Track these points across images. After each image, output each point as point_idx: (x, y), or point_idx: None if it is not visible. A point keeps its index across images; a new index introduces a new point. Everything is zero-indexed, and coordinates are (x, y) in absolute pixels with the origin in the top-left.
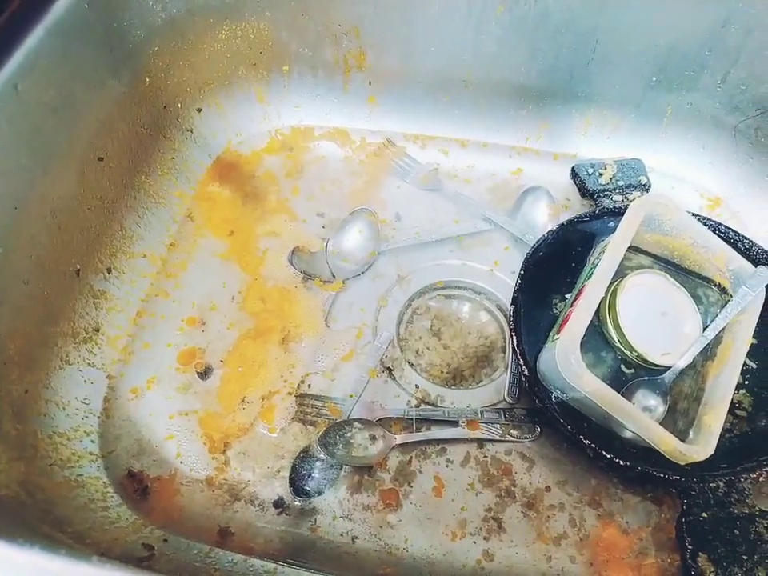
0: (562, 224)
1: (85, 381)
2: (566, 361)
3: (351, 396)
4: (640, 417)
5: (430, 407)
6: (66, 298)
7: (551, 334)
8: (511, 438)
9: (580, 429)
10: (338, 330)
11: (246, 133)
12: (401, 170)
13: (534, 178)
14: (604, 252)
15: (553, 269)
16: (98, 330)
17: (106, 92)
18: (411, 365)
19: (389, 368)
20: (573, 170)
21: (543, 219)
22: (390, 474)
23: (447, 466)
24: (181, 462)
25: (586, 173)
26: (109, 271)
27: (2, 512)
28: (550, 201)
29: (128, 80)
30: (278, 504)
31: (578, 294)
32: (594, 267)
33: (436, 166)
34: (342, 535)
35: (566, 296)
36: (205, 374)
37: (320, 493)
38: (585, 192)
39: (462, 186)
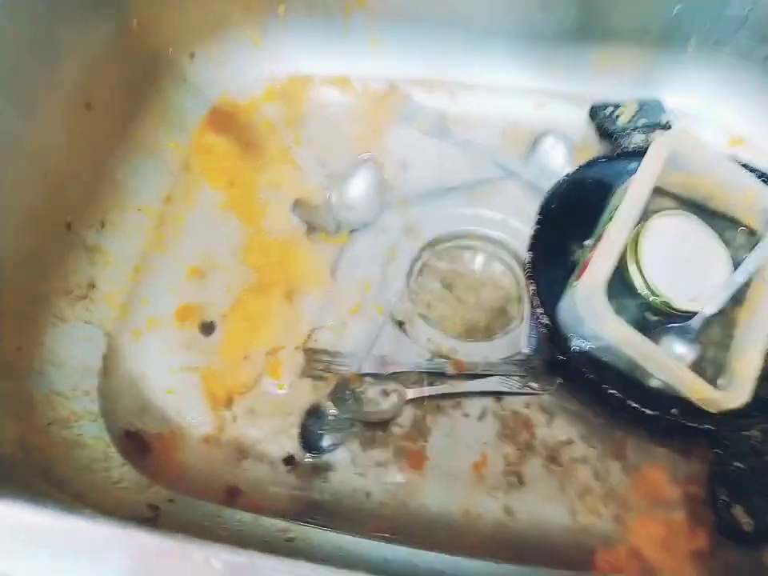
0: (580, 167)
1: (82, 338)
2: (587, 305)
3: (360, 349)
4: (669, 362)
5: (443, 360)
6: (59, 252)
7: (570, 280)
8: (530, 391)
9: (603, 378)
10: (344, 284)
11: (241, 80)
12: (406, 116)
13: (549, 120)
14: (625, 193)
15: (571, 215)
16: (93, 286)
17: (90, 33)
18: (423, 318)
19: (399, 321)
20: (591, 109)
21: (559, 163)
22: (403, 428)
23: (464, 421)
24: (183, 419)
25: (604, 113)
26: (102, 225)
27: (5, 472)
28: (566, 144)
29: (114, 21)
30: (289, 461)
31: (599, 239)
32: (615, 211)
33: (442, 110)
34: (354, 491)
35: (585, 243)
36: (206, 329)
37: (331, 449)
38: (603, 133)
39: (471, 132)
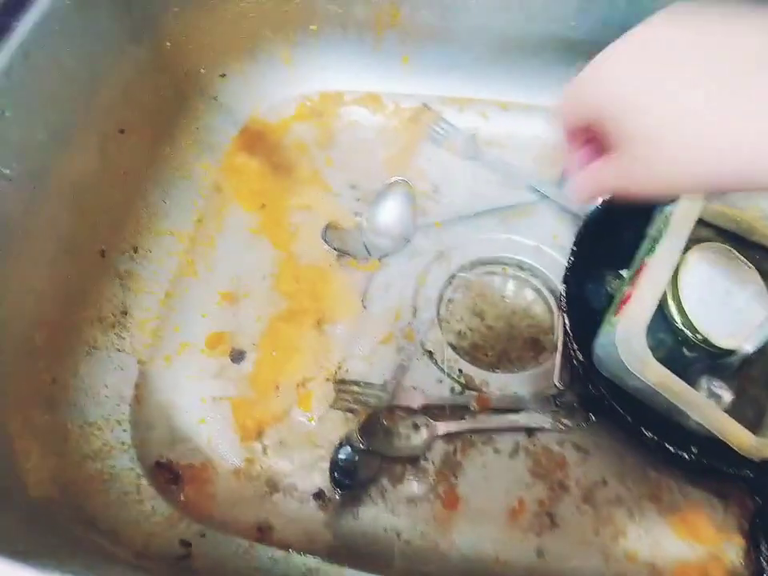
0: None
1: (114, 367)
2: (628, 347)
3: (392, 382)
4: (709, 409)
5: (474, 393)
6: (92, 280)
7: (608, 314)
8: (562, 427)
9: (639, 418)
10: (375, 312)
11: (272, 99)
12: (437, 136)
13: None
14: (666, 224)
15: (607, 243)
16: (125, 313)
17: (125, 58)
18: (453, 347)
19: (430, 351)
20: None
21: None
22: (434, 464)
23: (495, 457)
24: (214, 451)
25: None
26: (135, 250)
27: (36, 517)
28: None
29: (148, 45)
30: (319, 496)
31: (638, 271)
32: (656, 241)
33: (475, 131)
34: (385, 530)
35: (621, 272)
36: (237, 357)
37: (362, 485)
38: None
39: (503, 153)
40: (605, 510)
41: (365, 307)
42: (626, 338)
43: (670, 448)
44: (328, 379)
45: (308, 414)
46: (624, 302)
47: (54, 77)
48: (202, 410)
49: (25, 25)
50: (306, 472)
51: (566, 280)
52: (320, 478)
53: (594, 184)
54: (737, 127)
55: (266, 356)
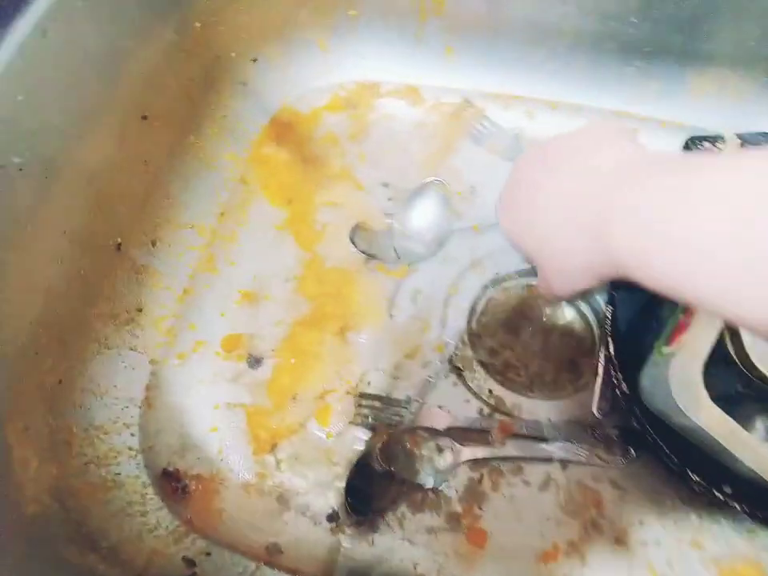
0: None
1: (125, 366)
2: (682, 384)
3: (416, 400)
4: (765, 454)
5: (505, 417)
6: (106, 275)
7: (658, 343)
8: (599, 462)
9: (686, 458)
10: (402, 322)
11: (305, 87)
12: (479, 135)
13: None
14: None
15: None
16: (140, 310)
17: (151, 40)
18: (484, 365)
19: (458, 368)
20: (686, 142)
21: None
22: (457, 492)
23: (524, 489)
24: (225, 462)
25: (700, 147)
26: (153, 244)
27: (30, 536)
28: None
29: (177, 26)
30: (332, 518)
31: None
32: None
33: (518, 131)
34: (401, 561)
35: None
36: (254, 363)
37: (378, 510)
38: None
39: None
40: (641, 554)
41: (392, 316)
42: (680, 374)
43: (719, 495)
44: (348, 392)
45: (325, 429)
46: (678, 331)
47: (73, 57)
48: (215, 417)
49: (42, 4)
50: (320, 491)
51: (611, 300)
52: (335, 499)
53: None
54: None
55: (284, 363)
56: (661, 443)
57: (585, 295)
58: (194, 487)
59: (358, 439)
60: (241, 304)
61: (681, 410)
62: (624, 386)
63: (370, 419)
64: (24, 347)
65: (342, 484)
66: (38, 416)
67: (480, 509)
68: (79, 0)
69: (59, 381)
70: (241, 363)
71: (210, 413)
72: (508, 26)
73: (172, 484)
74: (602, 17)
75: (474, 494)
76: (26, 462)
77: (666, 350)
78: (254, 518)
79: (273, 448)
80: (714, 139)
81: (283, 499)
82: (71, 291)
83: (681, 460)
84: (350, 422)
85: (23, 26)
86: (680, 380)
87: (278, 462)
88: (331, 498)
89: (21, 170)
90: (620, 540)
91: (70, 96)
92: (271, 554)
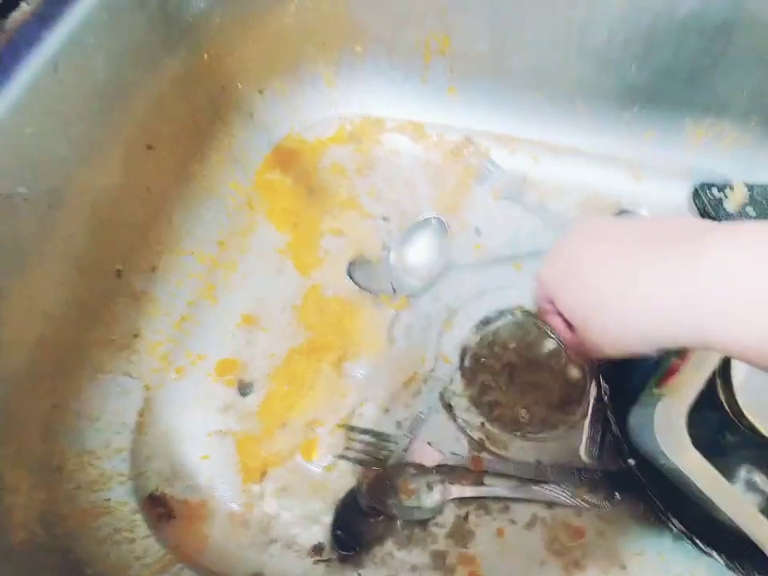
0: None
1: (119, 392)
2: (666, 426)
3: (406, 436)
4: (744, 506)
5: (492, 457)
6: (105, 301)
7: (650, 383)
8: (585, 505)
9: (670, 503)
10: (396, 356)
11: (310, 119)
12: (479, 173)
13: (632, 193)
14: None
15: None
16: (137, 336)
17: (159, 71)
18: (474, 403)
19: (449, 405)
20: (695, 190)
21: None
22: (444, 529)
23: (510, 527)
24: (213, 490)
25: (709, 196)
26: (153, 270)
27: (16, 564)
28: None
29: (184, 57)
30: (317, 551)
31: None
32: None
33: (519, 172)
34: None
35: None
36: (244, 390)
37: (365, 546)
38: (706, 218)
39: (546, 198)
40: None
41: (388, 349)
42: (665, 416)
43: (699, 544)
44: (339, 425)
45: (313, 461)
46: (670, 373)
47: (82, 90)
48: (207, 444)
49: (57, 36)
50: (306, 524)
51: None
52: (321, 532)
53: (573, 349)
54: (643, 302)
55: (278, 389)
56: (647, 485)
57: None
58: (180, 513)
59: (346, 473)
60: (237, 331)
61: (663, 452)
62: (617, 429)
63: (358, 453)
64: (22, 371)
65: (329, 518)
66: (30, 439)
67: (465, 547)
68: (91, 36)
69: (53, 405)
70: (233, 390)
71: (202, 440)
72: (510, 69)
73: (158, 509)
74: (603, 64)
75: (460, 533)
76: (16, 487)
77: (656, 391)
78: (239, 547)
79: (262, 477)
80: (722, 186)
81: (269, 531)
82: (70, 316)
83: (665, 504)
84: (339, 456)
85: (36, 61)
86: (665, 422)
87: (264, 493)
88: (317, 532)
89: (25, 199)
90: None
91: (77, 127)
92: None
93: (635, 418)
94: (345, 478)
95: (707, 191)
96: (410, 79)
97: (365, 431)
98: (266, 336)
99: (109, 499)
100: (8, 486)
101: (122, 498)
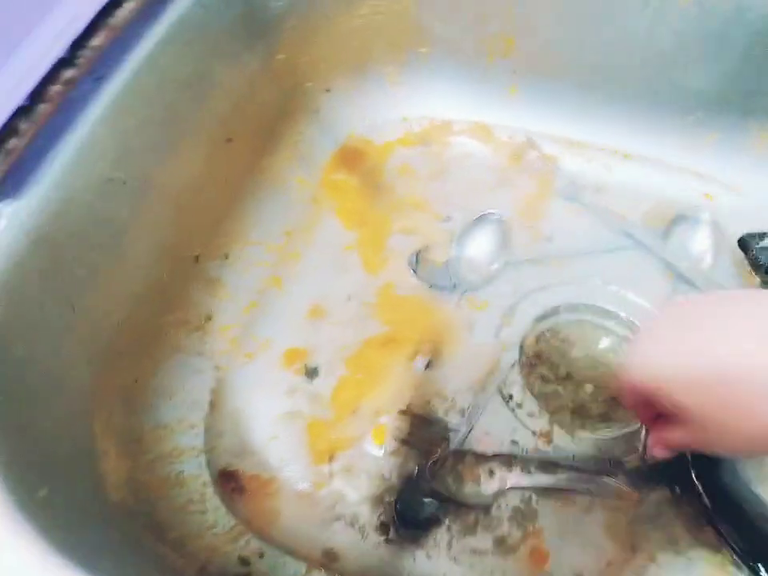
0: None
1: (193, 370)
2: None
3: (463, 423)
4: None
5: (549, 447)
6: (183, 284)
7: None
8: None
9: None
10: (463, 351)
11: (373, 118)
12: (541, 174)
13: (691, 199)
14: None
15: None
16: (210, 319)
17: (240, 68)
18: (533, 394)
19: (509, 395)
20: (741, 240)
21: (701, 250)
22: (505, 513)
23: (570, 509)
24: (282, 469)
25: (758, 245)
26: (226, 257)
27: (110, 524)
28: (712, 230)
29: (262, 55)
30: (382, 530)
31: None
32: None
33: (579, 173)
34: None
35: None
36: (311, 375)
37: (424, 527)
38: (757, 267)
39: (602, 199)
40: None
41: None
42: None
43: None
44: (402, 412)
45: (380, 446)
46: None
47: (174, 84)
48: (276, 425)
49: (156, 35)
50: (370, 504)
51: None
52: (384, 513)
53: (669, 446)
54: None
55: (351, 376)
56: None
57: None
58: (250, 488)
59: (408, 458)
60: (305, 321)
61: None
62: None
63: (418, 440)
64: (109, 346)
65: (392, 498)
66: (116, 412)
67: (526, 528)
68: (186, 31)
69: (135, 380)
70: (301, 375)
71: (271, 421)
72: (572, 71)
73: (230, 484)
74: (668, 68)
75: (521, 516)
76: (106, 453)
77: None
78: (305, 523)
79: (330, 459)
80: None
81: (334, 509)
82: (153, 297)
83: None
84: (401, 440)
85: (139, 53)
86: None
87: (332, 473)
88: (381, 512)
89: (124, 183)
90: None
91: (170, 118)
92: (329, 559)
93: None
94: (407, 464)
95: (756, 241)
96: (473, 80)
97: (426, 419)
98: (333, 328)
99: (182, 471)
100: (100, 452)
101: (194, 471)
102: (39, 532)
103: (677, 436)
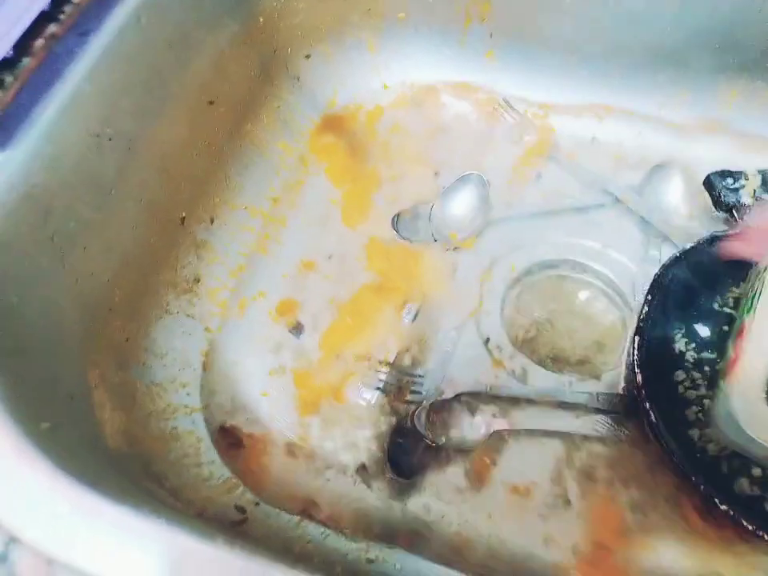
0: (698, 242)
1: (183, 332)
2: (748, 415)
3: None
4: None
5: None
6: (171, 246)
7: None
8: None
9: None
10: (445, 301)
11: (353, 84)
12: (517, 133)
13: (665, 152)
14: (763, 282)
15: (688, 296)
16: (198, 281)
17: (219, 30)
18: (513, 343)
19: (489, 343)
20: (707, 179)
21: (674, 202)
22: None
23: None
24: (273, 422)
25: (723, 184)
26: (212, 221)
27: (110, 466)
28: (684, 181)
29: (242, 19)
30: (372, 478)
31: (740, 334)
32: (754, 298)
33: (554, 133)
34: (443, 517)
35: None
36: (298, 330)
37: (415, 472)
38: (720, 205)
39: (581, 156)
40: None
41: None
42: (744, 407)
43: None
44: (381, 362)
45: (365, 394)
46: (731, 366)
47: (158, 43)
48: (266, 382)
49: None
50: (354, 451)
51: (638, 331)
52: (371, 460)
53: None
54: None
55: (341, 321)
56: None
57: None
58: (247, 443)
59: (387, 406)
60: (291, 278)
61: (755, 440)
62: (652, 416)
63: (406, 388)
64: (100, 303)
65: (375, 445)
66: (109, 367)
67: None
68: None
69: (126, 339)
70: (289, 330)
71: (261, 378)
72: (547, 33)
73: (228, 439)
74: (638, 27)
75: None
76: (102, 405)
77: (724, 385)
78: (296, 475)
79: (316, 409)
80: (737, 175)
81: (323, 459)
82: (142, 257)
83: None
84: (380, 389)
85: (122, 11)
86: (745, 412)
87: (317, 425)
88: (367, 459)
89: (110, 139)
90: None
91: (154, 79)
92: (309, 508)
93: (720, 419)
94: (392, 412)
95: (722, 180)
96: (448, 45)
97: (407, 369)
98: (323, 281)
99: (176, 427)
100: (97, 403)
101: (188, 428)
102: (45, 456)
103: None
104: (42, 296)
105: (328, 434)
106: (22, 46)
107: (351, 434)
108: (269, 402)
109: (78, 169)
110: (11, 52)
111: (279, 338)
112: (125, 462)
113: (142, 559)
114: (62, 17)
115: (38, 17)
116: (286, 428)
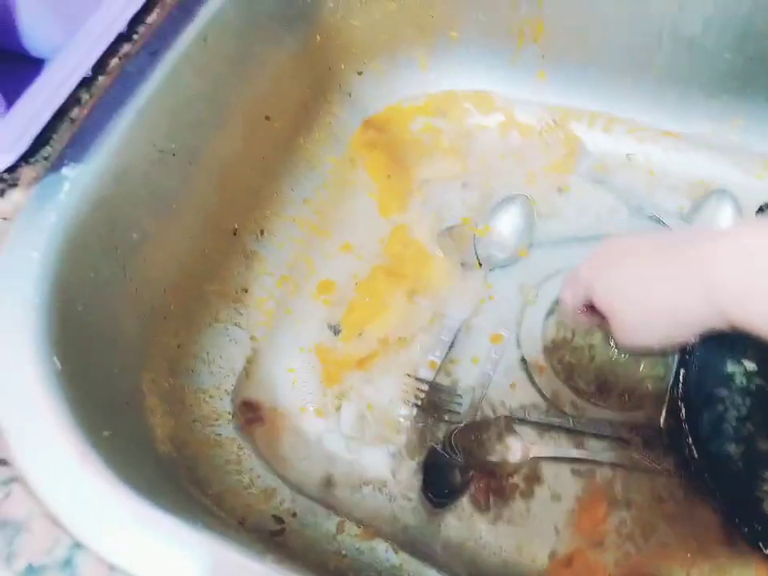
0: None
1: (230, 340)
2: None
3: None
4: None
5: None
6: (224, 256)
7: None
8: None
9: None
10: (480, 321)
11: (404, 100)
12: (568, 156)
13: (717, 179)
14: None
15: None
16: (246, 291)
17: (280, 48)
18: (554, 370)
19: (528, 367)
20: (760, 210)
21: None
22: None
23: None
24: (315, 434)
25: None
26: (261, 233)
27: (160, 471)
28: (736, 209)
29: (301, 36)
30: (409, 496)
31: None
32: None
33: (607, 155)
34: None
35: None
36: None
37: (449, 492)
38: None
39: (631, 179)
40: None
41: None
42: None
43: None
44: (410, 375)
45: (404, 407)
46: None
47: (220, 61)
48: (306, 400)
49: (205, 13)
50: (392, 467)
51: (682, 363)
52: (412, 478)
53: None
54: (664, 298)
55: (360, 299)
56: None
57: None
58: (268, 417)
59: (434, 426)
60: (321, 296)
61: None
62: (695, 451)
63: (442, 408)
64: (156, 311)
65: (418, 462)
66: (161, 373)
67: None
68: (231, 11)
69: (178, 345)
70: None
71: (302, 396)
72: (600, 54)
73: (249, 412)
74: (696, 51)
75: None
76: (153, 410)
77: None
78: (339, 488)
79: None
80: None
81: (359, 475)
82: (197, 267)
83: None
84: (413, 405)
85: (190, 31)
86: None
87: (357, 440)
88: (407, 477)
89: (174, 155)
90: None
91: (216, 94)
92: (328, 485)
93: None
94: (424, 429)
95: None
96: (500, 64)
97: (444, 388)
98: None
99: (220, 434)
100: (148, 408)
101: (230, 435)
102: (107, 465)
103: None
104: (103, 305)
105: (368, 449)
106: (99, 65)
107: (389, 449)
108: (309, 413)
109: (144, 182)
110: (90, 72)
111: (327, 351)
112: (172, 467)
113: (194, 569)
114: (135, 36)
115: (115, 38)
116: (332, 443)
